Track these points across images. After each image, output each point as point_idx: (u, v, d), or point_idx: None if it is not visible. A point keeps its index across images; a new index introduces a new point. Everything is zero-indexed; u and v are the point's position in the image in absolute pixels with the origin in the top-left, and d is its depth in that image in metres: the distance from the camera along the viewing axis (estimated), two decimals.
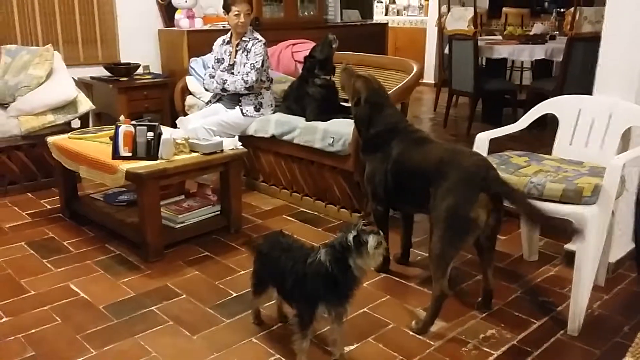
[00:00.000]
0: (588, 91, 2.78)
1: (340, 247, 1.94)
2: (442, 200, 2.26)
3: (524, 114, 2.89)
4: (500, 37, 6.40)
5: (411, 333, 2.32)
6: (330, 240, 2.00)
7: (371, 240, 1.92)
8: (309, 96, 3.72)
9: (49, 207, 3.66)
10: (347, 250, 1.93)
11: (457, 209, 2.22)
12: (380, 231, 1.98)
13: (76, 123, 4.07)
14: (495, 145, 2.76)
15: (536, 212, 2.21)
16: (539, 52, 5.58)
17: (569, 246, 2.93)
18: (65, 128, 3.88)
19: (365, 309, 2.49)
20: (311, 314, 2.01)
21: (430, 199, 2.33)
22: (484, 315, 2.45)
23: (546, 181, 2.32)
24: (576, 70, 5.02)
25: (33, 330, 2.32)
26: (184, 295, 2.60)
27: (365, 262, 1.95)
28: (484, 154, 2.69)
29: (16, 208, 3.64)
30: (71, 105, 3.97)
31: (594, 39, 3.00)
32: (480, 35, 5.94)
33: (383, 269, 2.80)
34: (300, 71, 4.33)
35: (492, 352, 2.20)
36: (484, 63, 6.31)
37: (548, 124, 4.01)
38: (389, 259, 2.82)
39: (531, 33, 6.13)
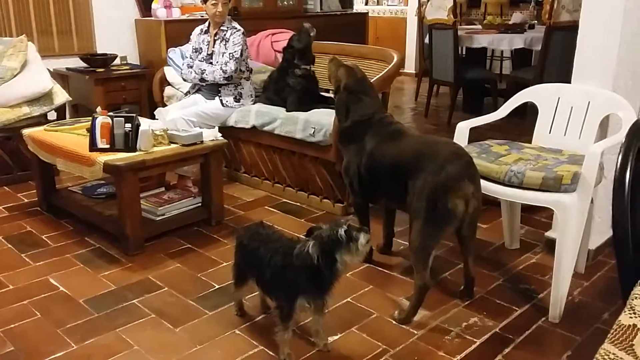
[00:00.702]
0: (567, 80, 2.80)
1: (329, 240, 1.94)
2: (420, 192, 2.26)
3: (504, 103, 2.90)
4: (479, 27, 6.43)
5: (394, 322, 2.33)
6: (317, 233, 1.99)
7: (362, 238, 1.95)
8: (289, 87, 3.69)
9: (26, 200, 3.60)
10: (337, 244, 1.93)
11: (435, 200, 2.22)
12: (367, 228, 2.01)
13: (52, 115, 4.00)
14: (476, 134, 2.77)
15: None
16: (518, 41, 5.62)
17: (549, 234, 2.97)
18: (41, 120, 3.81)
19: (348, 299, 2.50)
20: (291, 306, 2.01)
21: (409, 192, 2.33)
22: (466, 303, 2.47)
23: (526, 169, 2.34)
24: (555, 59, 5.06)
25: (12, 325, 2.29)
26: (166, 288, 2.58)
27: (352, 258, 1.97)
28: (464, 142, 2.71)
29: None
30: (47, 97, 3.90)
31: (572, 28, 3.02)
32: (460, 25, 5.97)
33: (366, 259, 2.80)
34: (279, 61, 4.31)
35: (475, 340, 2.22)
36: (464, 52, 6.33)
37: (528, 112, 4.04)
38: (372, 249, 2.82)
39: (510, 22, 6.17)
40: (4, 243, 3.01)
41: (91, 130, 2.90)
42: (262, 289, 2.21)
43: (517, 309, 2.44)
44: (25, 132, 3.30)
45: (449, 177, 2.21)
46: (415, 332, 2.27)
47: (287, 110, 3.61)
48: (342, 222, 1.96)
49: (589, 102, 2.63)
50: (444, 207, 2.21)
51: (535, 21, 6.43)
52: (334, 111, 3.28)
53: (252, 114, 3.73)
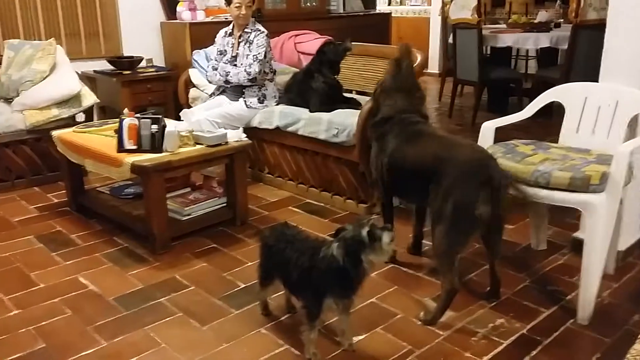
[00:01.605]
0: (594, 79, 2.76)
1: (353, 241, 1.94)
2: (444, 198, 2.23)
3: (529, 103, 2.87)
4: (504, 26, 6.36)
5: (420, 323, 2.32)
6: (342, 234, 1.99)
7: (385, 237, 1.94)
8: (313, 90, 3.68)
9: (56, 200, 3.67)
10: (361, 244, 1.93)
11: (461, 206, 2.19)
12: (391, 226, 2.00)
13: (80, 117, 4.06)
14: (501, 134, 2.74)
15: None
16: (543, 40, 5.55)
17: (577, 235, 2.92)
18: (70, 122, 3.88)
19: (373, 299, 2.50)
20: (318, 306, 2.02)
21: (430, 196, 2.30)
22: (493, 304, 2.45)
23: (553, 169, 2.31)
24: (582, 58, 4.98)
25: (43, 323, 2.34)
26: (193, 287, 2.61)
27: (378, 257, 1.98)
28: (490, 143, 2.68)
29: (24, 202, 3.65)
30: (75, 99, 3.97)
31: (599, 26, 2.97)
32: (485, 24, 5.90)
33: (391, 259, 2.80)
34: (303, 63, 4.32)
35: (502, 341, 2.20)
36: (488, 52, 6.27)
37: (554, 112, 3.99)
38: (395, 249, 2.81)
39: (536, 21, 6.10)
40: (35, 242, 3.08)
41: (119, 132, 2.95)
42: (289, 290, 2.22)
43: (544, 310, 2.41)
44: (55, 133, 3.37)
45: (474, 182, 2.19)
46: (441, 333, 2.26)
47: (311, 111, 3.62)
48: (365, 222, 1.96)
49: (617, 101, 2.59)
50: (470, 213, 2.17)
51: (561, 20, 6.35)
52: (357, 112, 3.30)
53: (275, 114, 3.74)
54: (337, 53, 3.72)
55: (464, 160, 2.25)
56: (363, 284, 2.04)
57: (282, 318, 2.36)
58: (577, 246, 2.72)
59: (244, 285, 2.61)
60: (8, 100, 3.95)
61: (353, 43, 4.05)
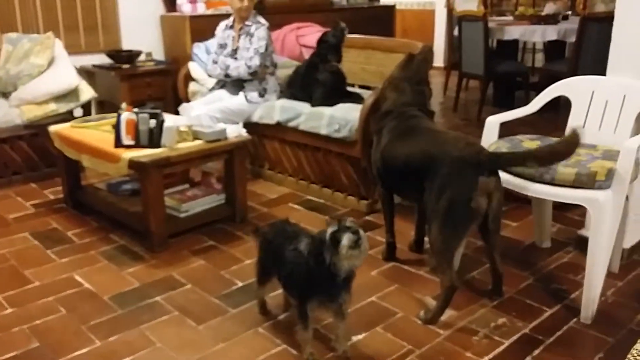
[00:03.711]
0: (603, 72, 2.70)
1: (317, 241, 1.86)
2: (439, 194, 2.19)
3: (536, 97, 2.81)
4: (511, 18, 6.27)
5: (420, 322, 2.28)
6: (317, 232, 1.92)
7: (344, 240, 1.79)
8: (318, 82, 3.63)
9: (52, 197, 3.63)
10: (324, 245, 1.83)
11: (456, 201, 2.15)
12: (360, 231, 1.83)
13: (78, 112, 4.03)
14: (507, 129, 2.69)
15: (543, 153, 2.15)
16: (551, 32, 5.47)
17: (582, 232, 2.88)
18: (68, 117, 3.83)
19: (373, 298, 2.45)
20: (303, 306, 1.97)
21: (425, 192, 2.26)
22: (495, 303, 2.41)
23: (558, 165, 2.25)
24: (590, 51, 4.91)
25: (38, 321, 2.31)
26: (189, 285, 2.57)
27: (341, 262, 1.83)
28: (494, 138, 2.63)
29: (19, 198, 3.61)
30: (73, 93, 3.93)
31: (608, 19, 2.91)
32: (491, 16, 5.83)
33: (389, 257, 2.76)
34: (305, 56, 4.26)
35: (503, 341, 2.16)
36: (494, 45, 6.20)
37: (561, 106, 3.92)
38: (395, 246, 2.77)
39: (543, 13, 6.00)
40: (30, 239, 3.05)
41: (116, 127, 2.90)
42: (283, 287, 2.18)
43: (547, 309, 2.36)
44: (52, 128, 3.33)
45: (467, 176, 2.14)
46: (442, 332, 2.22)
47: (313, 105, 3.56)
48: (335, 222, 1.83)
49: (624, 96, 2.53)
50: (466, 206, 2.14)
51: (569, 12, 6.26)
52: (359, 106, 3.25)
53: (276, 109, 3.69)
54: (336, 36, 3.69)
55: (455, 155, 2.20)
56: (345, 288, 1.95)
57: (280, 317, 2.32)
58: (582, 244, 2.67)
59: (242, 284, 2.58)
60: (5, 95, 3.91)
61: (356, 36, 4.00)
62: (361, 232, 1.83)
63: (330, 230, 1.82)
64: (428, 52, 2.73)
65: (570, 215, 3.20)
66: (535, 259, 2.78)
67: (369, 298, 2.45)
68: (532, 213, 2.93)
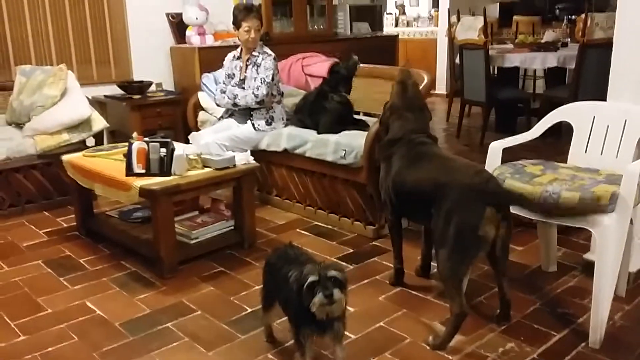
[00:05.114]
0: (602, 98, 2.75)
1: (300, 282, 1.85)
2: (447, 221, 2.22)
3: (537, 123, 2.86)
4: (511, 46, 6.37)
5: (428, 348, 2.29)
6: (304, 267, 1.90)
7: (316, 297, 1.80)
8: (326, 110, 3.69)
9: (65, 225, 3.68)
10: (302, 290, 1.83)
11: (464, 229, 2.18)
12: (342, 281, 1.84)
13: (91, 141, 4.11)
14: (509, 155, 2.73)
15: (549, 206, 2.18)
16: (551, 59, 5.54)
17: (588, 256, 2.89)
18: (80, 146, 3.91)
19: (381, 323, 2.47)
20: (298, 334, 1.97)
21: (433, 219, 2.29)
22: (503, 328, 2.41)
23: (562, 190, 2.29)
24: (590, 77, 4.97)
25: (50, 349, 2.33)
26: (199, 312, 2.60)
27: (315, 310, 1.83)
28: (497, 163, 2.67)
29: (33, 226, 3.67)
30: (85, 123, 4.00)
31: (606, 45, 2.97)
32: (491, 44, 5.92)
33: (397, 282, 2.79)
34: (311, 85, 4.34)
35: None
36: (495, 72, 6.28)
37: (563, 132, 3.97)
38: (403, 272, 2.79)
39: (543, 41, 6.10)
40: (43, 267, 3.08)
41: (128, 156, 2.97)
42: (283, 312, 2.16)
43: (555, 334, 2.37)
44: (65, 158, 3.40)
45: (476, 204, 2.18)
46: (451, 357, 2.23)
47: (319, 132, 3.62)
48: (317, 270, 1.82)
49: (625, 120, 2.57)
50: (474, 234, 2.17)
51: (568, 39, 6.34)
52: (365, 133, 3.31)
53: (283, 137, 3.76)
54: (349, 69, 3.77)
55: (464, 182, 2.24)
56: (339, 319, 1.93)
57: (288, 343, 2.32)
58: (588, 268, 2.69)
59: (250, 310, 2.60)
60: (19, 126, 4.00)
61: (360, 65, 4.08)
62: (342, 281, 1.83)
63: (310, 279, 1.82)
64: (408, 74, 2.74)
65: (576, 239, 3.22)
66: (541, 283, 2.79)
67: (377, 323, 2.46)
68: (538, 237, 2.95)
